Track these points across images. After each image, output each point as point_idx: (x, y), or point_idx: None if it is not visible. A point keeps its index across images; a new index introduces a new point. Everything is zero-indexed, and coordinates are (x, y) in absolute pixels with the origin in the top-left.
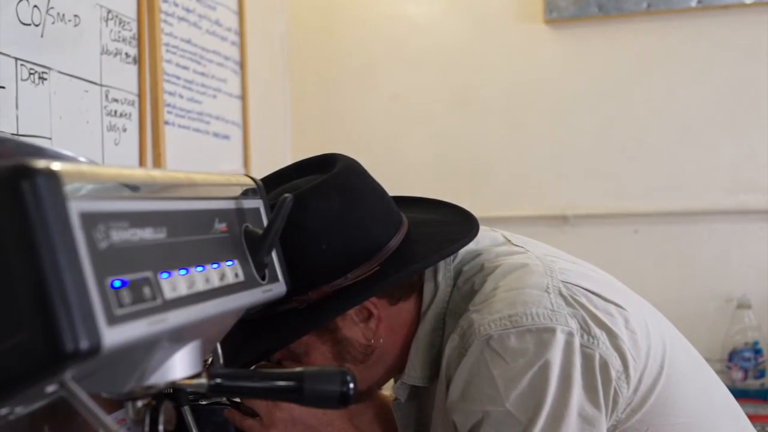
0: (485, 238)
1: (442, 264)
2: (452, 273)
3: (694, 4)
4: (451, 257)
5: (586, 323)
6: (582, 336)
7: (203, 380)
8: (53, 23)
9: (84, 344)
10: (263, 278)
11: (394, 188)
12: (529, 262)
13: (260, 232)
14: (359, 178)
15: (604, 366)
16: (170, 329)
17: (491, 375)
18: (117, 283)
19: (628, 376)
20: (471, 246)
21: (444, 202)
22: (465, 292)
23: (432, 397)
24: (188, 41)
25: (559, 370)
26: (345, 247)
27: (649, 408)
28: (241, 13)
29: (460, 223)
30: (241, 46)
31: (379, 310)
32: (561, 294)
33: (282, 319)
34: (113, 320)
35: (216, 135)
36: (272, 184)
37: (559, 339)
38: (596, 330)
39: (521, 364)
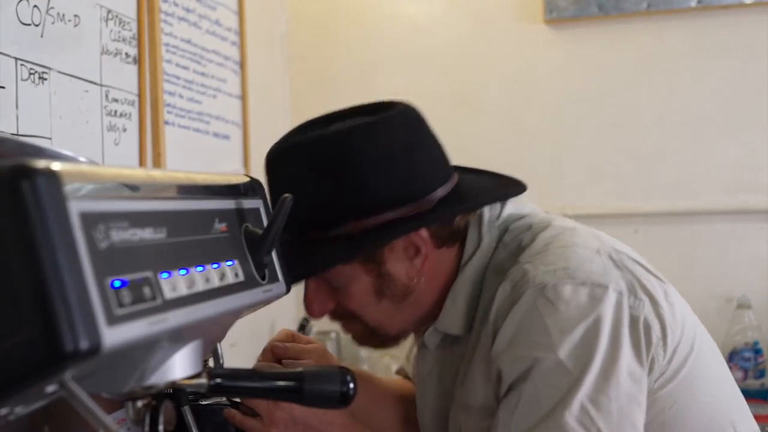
0: (527, 207)
1: (486, 220)
2: (497, 230)
3: (694, 4)
4: (496, 216)
5: (632, 286)
6: (629, 297)
7: (203, 380)
8: (53, 23)
9: (84, 344)
10: (263, 278)
11: None
12: (578, 226)
13: (260, 232)
14: (421, 122)
15: (648, 329)
16: (170, 329)
17: (544, 323)
18: (117, 283)
19: (665, 345)
20: (516, 210)
21: (488, 171)
22: (512, 249)
23: (463, 349)
24: (188, 41)
25: (610, 326)
26: (405, 179)
27: (679, 382)
28: (241, 13)
29: (507, 182)
30: (241, 46)
31: (427, 249)
32: (611, 257)
33: (336, 242)
34: (113, 320)
35: (216, 135)
36: (323, 123)
37: (611, 296)
38: (641, 294)
39: (574, 315)
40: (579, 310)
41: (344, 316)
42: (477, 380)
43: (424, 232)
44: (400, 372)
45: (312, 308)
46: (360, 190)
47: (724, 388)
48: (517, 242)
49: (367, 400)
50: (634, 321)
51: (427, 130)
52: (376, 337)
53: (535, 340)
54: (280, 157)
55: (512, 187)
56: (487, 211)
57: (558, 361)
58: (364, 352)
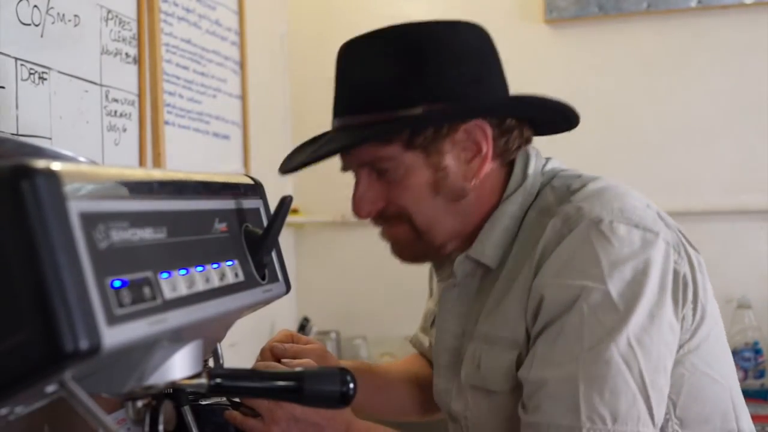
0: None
1: (533, 162)
2: (541, 175)
3: (694, 4)
4: (542, 164)
5: (677, 243)
6: (674, 252)
7: (203, 380)
8: (53, 23)
9: (84, 344)
10: (263, 278)
11: None
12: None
13: (260, 232)
14: (492, 43)
15: (686, 287)
16: (170, 329)
17: (596, 254)
18: (117, 283)
19: (695, 308)
20: (560, 165)
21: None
22: (561, 193)
23: (491, 285)
24: (188, 41)
25: (659, 272)
26: (478, 76)
27: (700, 353)
28: (241, 13)
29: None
30: (241, 46)
31: (486, 150)
32: (659, 214)
33: (404, 120)
34: (113, 320)
35: (216, 135)
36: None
37: (661, 244)
38: (684, 253)
39: (627, 253)
40: (631, 250)
41: (392, 217)
42: (510, 312)
43: (488, 129)
44: (413, 341)
45: (361, 205)
46: (437, 74)
47: (732, 376)
48: (566, 187)
49: (370, 393)
50: (676, 274)
51: (496, 53)
52: (421, 244)
53: (585, 270)
54: (358, 42)
55: (573, 114)
56: (534, 157)
57: (606, 293)
58: (364, 352)
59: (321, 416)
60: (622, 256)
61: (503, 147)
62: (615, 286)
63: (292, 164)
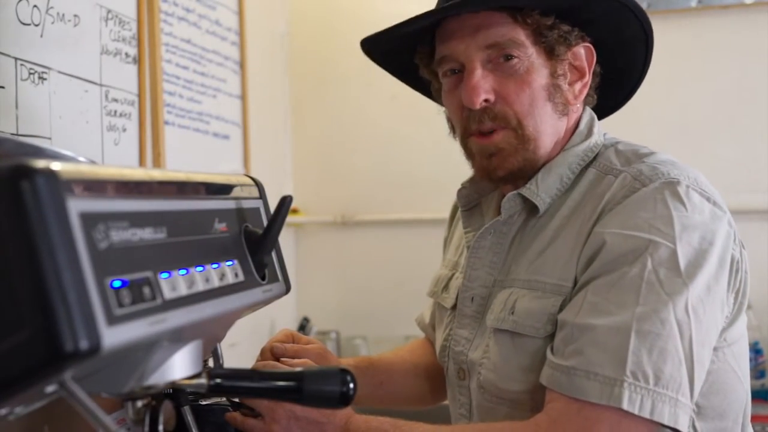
0: None
1: (597, 124)
2: (603, 138)
3: (694, 4)
4: (604, 132)
5: (735, 231)
6: (733, 236)
7: (203, 380)
8: (53, 23)
9: (84, 344)
10: (263, 278)
11: (394, 188)
12: None
13: (260, 232)
14: None
15: (737, 272)
16: (170, 329)
17: (669, 213)
18: (117, 283)
19: (736, 298)
20: None
21: None
22: (628, 155)
23: (535, 231)
24: (188, 41)
25: (721, 248)
26: None
27: (731, 344)
28: (241, 13)
29: None
30: (241, 46)
31: (588, 80)
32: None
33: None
34: (113, 320)
35: (216, 135)
36: None
37: (725, 224)
38: (738, 242)
39: (698, 220)
40: (702, 219)
41: (501, 116)
42: (558, 259)
43: (594, 58)
44: (418, 320)
45: (478, 92)
46: None
47: (749, 379)
48: (632, 152)
49: (371, 389)
50: (732, 257)
51: None
52: (524, 153)
53: (655, 225)
54: None
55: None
56: (598, 124)
57: (674, 253)
58: (364, 352)
59: (321, 413)
60: (693, 221)
61: (588, 88)
62: (683, 249)
63: (384, 34)
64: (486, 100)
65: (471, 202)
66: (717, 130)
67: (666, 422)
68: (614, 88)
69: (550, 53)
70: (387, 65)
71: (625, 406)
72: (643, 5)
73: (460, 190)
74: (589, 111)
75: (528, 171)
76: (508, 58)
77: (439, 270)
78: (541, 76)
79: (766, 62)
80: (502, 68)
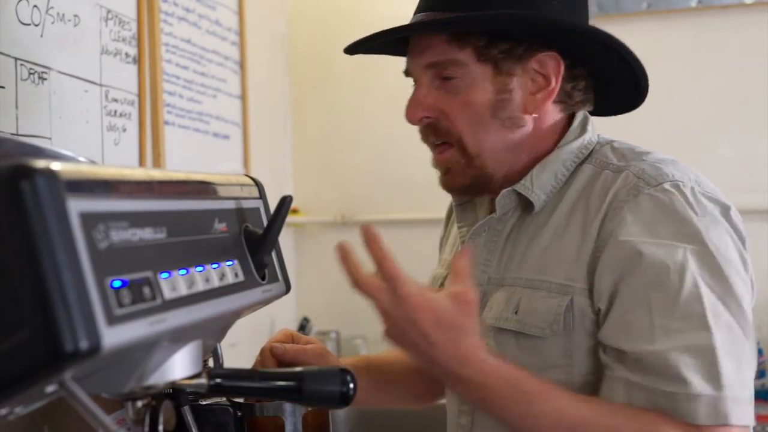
0: None
1: (590, 122)
2: (597, 135)
3: (694, 4)
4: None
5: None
6: (741, 230)
7: (203, 380)
8: (53, 23)
9: (84, 344)
10: (263, 278)
11: (394, 188)
12: None
13: (260, 232)
14: None
15: (747, 265)
16: (170, 329)
17: (688, 216)
18: (117, 283)
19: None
20: None
21: None
22: (624, 152)
23: (532, 229)
24: (188, 41)
25: (738, 241)
26: (574, 6)
27: None
28: (241, 13)
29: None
30: (241, 46)
31: (553, 85)
32: None
33: (492, 16)
34: (113, 320)
35: (216, 135)
36: None
37: (733, 221)
38: (743, 236)
39: (713, 218)
40: (714, 217)
41: (444, 132)
42: (563, 258)
43: (561, 65)
44: None
45: (415, 109)
46: None
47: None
48: (629, 149)
49: (370, 390)
50: (744, 250)
51: None
52: (471, 170)
53: (684, 232)
54: None
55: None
56: (592, 123)
57: (710, 255)
58: (364, 352)
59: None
60: (707, 221)
61: (568, 92)
62: (716, 250)
63: (362, 43)
64: (428, 117)
65: (463, 198)
66: (717, 130)
67: (751, 423)
68: (620, 89)
69: (498, 70)
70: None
71: (733, 421)
72: (643, 5)
73: None
74: (582, 111)
75: (482, 186)
76: (449, 77)
77: (435, 269)
78: (485, 93)
79: (766, 62)
80: (446, 87)
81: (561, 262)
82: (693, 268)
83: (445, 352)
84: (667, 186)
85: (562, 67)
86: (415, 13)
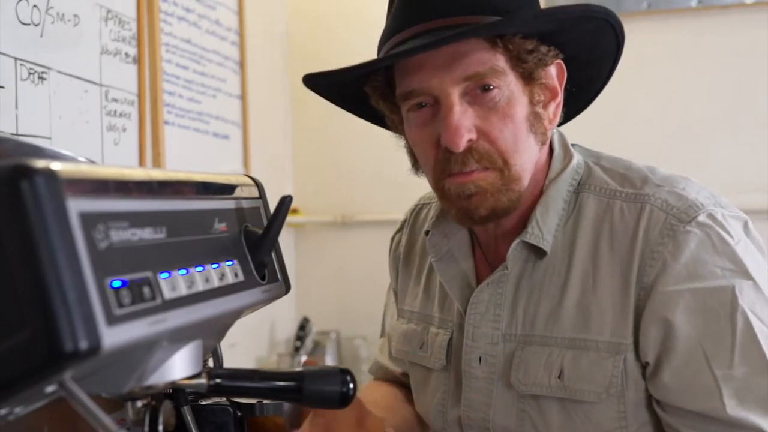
0: None
1: (568, 141)
2: (583, 158)
3: (694, 4)
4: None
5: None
6: None
7: (203, 380)
8: (53, 23)
9: (83, 344)
10: (263, 278)
11: (394, 188)
12: None
13: (260, 232)
14: None
15: None
16: (170, 329)
17: (728, 248)
18: (117, 283)
19: None
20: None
21: None
22: (618, 173)
23: (550, 278)
24: (188, 41)
25: (765, 258)
26: None
27: None
28: (241, 13)
29: None
30: (241, 46)
31: (560, 100)
32: None
33: (532, 14)
34: (113, 320)
35: (216, 135)
36: None
37: (750, 241)
38: None
39: (743, 245)
40: (740, 237)
41: (485, 156)
42: (604, 312)
43: (565, 74)
44: (377, 372)
45: (461, 133)
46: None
47: None
48: (623, 167)
49: None
50: None
51: None
52: (505, 193)
53: (727, 266)
54: None
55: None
56: (562, 138)
57: (755, 285)
58: (364, 351)
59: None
60: (744, 245)
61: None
62: (758, 277)
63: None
64: (469, 140)
65: (441, 250)
66: (717, 130)
67: None
68: (573, 99)
69: (529, 78)
70: (333, 97)
71: None
72: (643, 5)
73: (429, 238)
74: (556, 131)
75: (510, 210)
76: (488, 88)
77: (400, 324)
78: (521, 105)
79: (766, 62)
80: (481, 101)
81: (603, 317)
82: (742, 305)
83: None
84: (701, 218)
85: (565, 76)
86: (408, 26)
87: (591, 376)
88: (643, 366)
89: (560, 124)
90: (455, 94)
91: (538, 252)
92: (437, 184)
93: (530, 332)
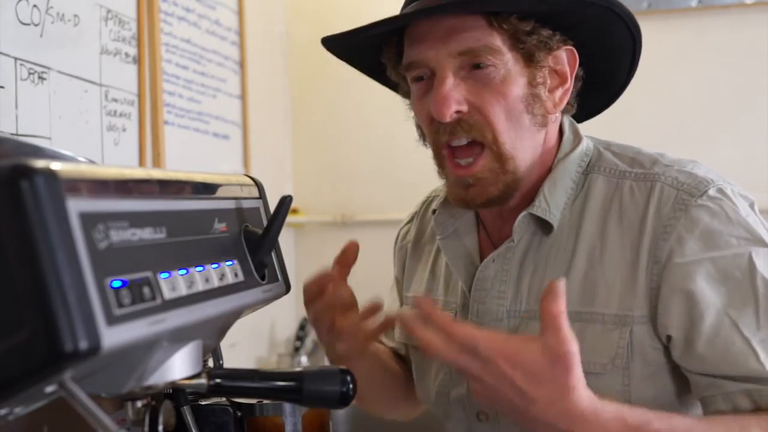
0: None
1: (578, 127)
2: (593, 143)
3: (694, 4)
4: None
5: None
6: None
7: (203, 380)
8: (53, 23)
9: (83, 344)
10: (263, 278)
11: (394, 188)
12: None
13: (260, 232)
14: None
15: None
16: (170, 329)
17: (741, 220)
18: (116, 283)
19: None
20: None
21: None
22: (628, 156)
23: (556, 254)
24: (188, 41)
25: None
26: None
27: None
28: (241, 13)
29: None
30: (241, 46)
31: (569, 86)
32: None
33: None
34: (113, 320)
35: (216, 135)
36: None
37: (757, 218)
38: None
39: (752, 217)
40: (753, 214)
41: (476, 128)
42: (612, 285)
43: (576, 62)
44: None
45: (448, 104)
46: None
47: None
48: (633, 151)
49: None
50: None
51: None
52: (501, 177)
53: (742, 235)
54: None
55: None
56: (573, 124)
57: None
58: None
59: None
60: (753, 217)
61: (570, 95)
62: None
63: (352, 35)
64: (458, 111)
65: (447, 230)
66: (717, 130)
67: None
68: (595, 92)
69: (529, 60)
70: (354, 62)
71: None
72: (643, 5)
73: (436, 217)
74: (567, 117)
75: (508, 197)
76: (482, 66)
77: (403, 311)
78: (518, 85)
79: (766, 62)
80: (476, 77)
81: (610, 291)
82: (760, 271)
83: (550, 409)
84: (712, 192)
85: (577, 64)
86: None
87: (596, 347)
88: (664, 340)
89: (584, 119)
90: (448, 68)
91: (544, 227)
92: (437, 157)
93: (535, 308)
